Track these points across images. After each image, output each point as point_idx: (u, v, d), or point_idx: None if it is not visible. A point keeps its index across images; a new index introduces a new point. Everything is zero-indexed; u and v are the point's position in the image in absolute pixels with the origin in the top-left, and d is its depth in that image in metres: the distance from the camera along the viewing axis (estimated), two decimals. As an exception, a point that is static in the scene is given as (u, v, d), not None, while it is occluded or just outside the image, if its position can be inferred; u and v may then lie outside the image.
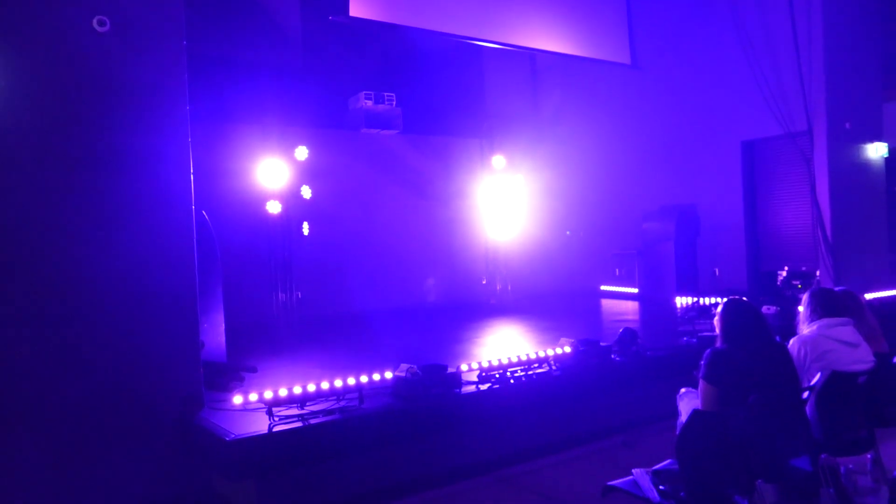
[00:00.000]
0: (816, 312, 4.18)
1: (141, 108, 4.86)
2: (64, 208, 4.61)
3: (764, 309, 7.77)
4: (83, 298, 4.64)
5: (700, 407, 3.66)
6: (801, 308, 4.35)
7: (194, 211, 5.13)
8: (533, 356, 5.67)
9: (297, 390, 4.57)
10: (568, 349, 5.79)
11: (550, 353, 5.76)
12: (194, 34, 5.11)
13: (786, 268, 10.06)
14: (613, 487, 3.49)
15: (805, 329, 4.21)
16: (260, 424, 4.37)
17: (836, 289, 4.37)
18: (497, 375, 5.31)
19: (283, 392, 4.52)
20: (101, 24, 4.63)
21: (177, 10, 5.03)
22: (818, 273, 9.75)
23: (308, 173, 9.62)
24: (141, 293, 4.84)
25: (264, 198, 9.32)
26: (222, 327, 6.24)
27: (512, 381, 5.30)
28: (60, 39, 4.59)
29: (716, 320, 3.76)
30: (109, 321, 4.72)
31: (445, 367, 5.06)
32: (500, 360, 5.50)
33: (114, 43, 4.72)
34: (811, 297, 4.26)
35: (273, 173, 9.27)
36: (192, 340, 5.08)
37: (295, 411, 4.49)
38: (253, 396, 4.67)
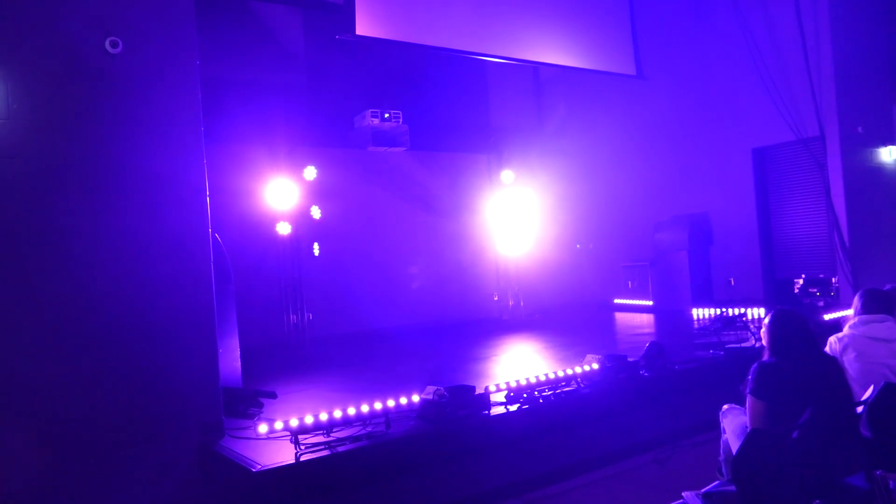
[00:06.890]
0: (861, 310, 4.15)
1: (156, 129, 4.78)
2: (80, 230, 4.52)
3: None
4: (98, 320, 4.53)
5: (748, 423, 3.51)
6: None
7: (210, 233, 5.02)
8: (560, 374, 5.51)
9: (324, 417, 4.42)
10: (595, 366, 5.63)
11: (578, 370, 5.60)
12: (199, 55, 5.04)
13: (803, 275, 9.92)
14: (663, 512, 3.33)
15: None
16: (286, 453, 4.22)
17: (887, 287, 4.30)
18: (525, 395, 5.16)
19: (308, 419, 4.37)
20: (113, 45, 4.56)
21: (189, 29, 4.95)
22: (835, 280, 9.61)
23: (316, 193, 9.55)
24: (157, 316, 4.73)
25: (274, 219, 9.25)
26: (237, 352, 6.10)
27: (541, 400, 5.15)
28: (73, 61, 4.51)
29: (763, 332, 3.62)
30: (125, 345, 4.60)
31: (473, 389, 4.91)
32: (527, 380, 5.34)
33: (126, 64, 4.65)
34: (858, 296, 4.28)
35: (282, 194, 9.20)
36: (210, 365, 4.96)
37: (321, 438, 4.35)
38: (278, 424, 4.52)
